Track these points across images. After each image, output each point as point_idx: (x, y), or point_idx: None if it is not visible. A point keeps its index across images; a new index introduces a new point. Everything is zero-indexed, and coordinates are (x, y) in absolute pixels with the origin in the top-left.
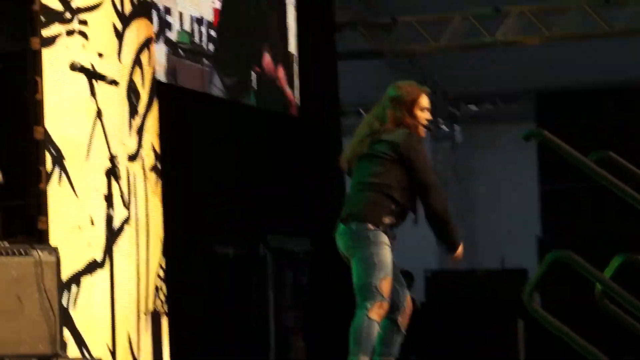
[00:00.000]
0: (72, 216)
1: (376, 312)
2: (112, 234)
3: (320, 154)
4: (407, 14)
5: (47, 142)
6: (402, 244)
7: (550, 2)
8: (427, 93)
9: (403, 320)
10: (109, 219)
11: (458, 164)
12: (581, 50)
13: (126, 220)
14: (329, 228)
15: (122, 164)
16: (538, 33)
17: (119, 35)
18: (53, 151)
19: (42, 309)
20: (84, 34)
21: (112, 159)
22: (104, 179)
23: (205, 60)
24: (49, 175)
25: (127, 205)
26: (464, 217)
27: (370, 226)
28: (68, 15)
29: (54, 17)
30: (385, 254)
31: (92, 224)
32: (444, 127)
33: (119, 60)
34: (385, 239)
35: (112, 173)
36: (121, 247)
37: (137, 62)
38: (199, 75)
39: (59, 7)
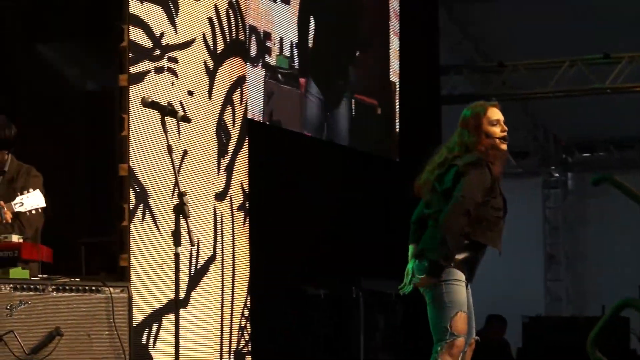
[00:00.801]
0: (154, 253)
1: (447, 353)
2: (197, 273)
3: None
4: (516, 59)
5: (132, 179)
6: (507, 287)
7: None
8: (494, 106)
9: None
10: (190, 258)
11: (569, 211)
12: None
13: (211, 259)
14: None
15: (209, 203)
16: None
17: (210, 74)
18: (137, 188)
19: (112, 346)
20: (173, 72)
21: (181, 196)
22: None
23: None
24: (132, 212)
25: (212, 245)
26: (573, 264)
27: (443, 263)
28: (157, 52)
29: (143, 53)
30: (457, 291)
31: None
32: (556, 174)
33: (210, 98)
34: (458, 275)
35: (180, 210)
36: (206, 285)
37: (228, 100)
38: (296, 99)
39: (148, 43)
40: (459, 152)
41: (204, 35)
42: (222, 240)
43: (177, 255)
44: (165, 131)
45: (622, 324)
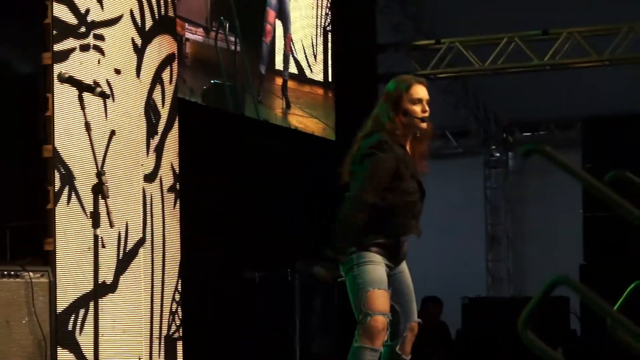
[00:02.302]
0: (81, 237)
1: (364, 335)
2: (126, 256)
3: None
4: (453, 36)
5: (57, 161)
6: (449, 268)
7: (601, 24)
8: (421, 83)
9: (403, 348)
10: (118, 241)
11: (510, 191)
12: (635, 74)
13: (141, 242)
14: None
15: (138, 185)
16: (588, 56)
17: (139, 51)
18: (62, 170)
19: (32, 333)
20: (99, 49)
21: (99, 175)
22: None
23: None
24: (57, 195)
25: (142, 227)
26: (515, 244)
27: (354, 248)
28: (83, 29)
29: (68, 31)
30: (370, 270)
31: (103, 246)
32: (497, 153)
33: (138, 77)
34: (371, 256)
35: (99, 190)
36: (135, 269)
37: (157, 79)
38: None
39: (72, 20)
40: (371, 127)
41: (131, 12)
42: (151, 222)
43: (96, 237)
44: (82, 107)
45: (561, 303)
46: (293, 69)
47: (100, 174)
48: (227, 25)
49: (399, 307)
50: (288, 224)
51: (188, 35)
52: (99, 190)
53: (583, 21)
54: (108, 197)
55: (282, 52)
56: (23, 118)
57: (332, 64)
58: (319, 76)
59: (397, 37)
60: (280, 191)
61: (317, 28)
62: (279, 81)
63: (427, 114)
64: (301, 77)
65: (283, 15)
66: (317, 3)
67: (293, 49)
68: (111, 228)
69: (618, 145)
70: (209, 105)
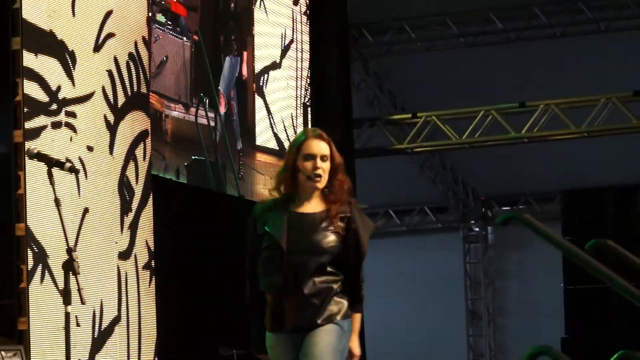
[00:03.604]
0: (55, 316)
1: None
2: (101, 335)
3: None
4: (429, 110)
5: (29, 239)
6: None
7: (578, 96)
8: (317, 137)
9: None
10: (93, 319)
11: (490, 265)
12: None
13: (116, 320)
14: None
15: (112, 262)
16: (566, 128)
17: (111, 128)
18: (35, 248)
19: None
20: (71, 126)
21: (70, 251)
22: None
23: None
24: (30, 274)
25: (117, 305)
26: (495, 319)
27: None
28: (54, 106)
29: (39, 108)
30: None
31: (78, 324)
32: (476, 228)
33: (111, 154)
34: (267, 340)
35: (69, 267)
36: (111, 348)
37: (130, 156)
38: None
39: (43, 97)
40: (271, 188)
41: (103, 89)
42: (127, 300)
43: (67, 315)
44: (52, 183)
45: None
46: (273, 144)
47: (70, 250)
48: (207, 101)
49: None
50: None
51: (167, 111)
52: (70, 266)
53: (560, 93)
54: (79, 274)
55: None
56: None
57: None
58: (271, 144)
59: (373, 112)
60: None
61: (297, 103)
62: (260, 157)
63: (319, 172)
64: (281, 152)
65: (260, 92)
66: (298, 79)
67: (273, 124)
68: (82, 304)
69: (598, 217)
70: (189, 184)
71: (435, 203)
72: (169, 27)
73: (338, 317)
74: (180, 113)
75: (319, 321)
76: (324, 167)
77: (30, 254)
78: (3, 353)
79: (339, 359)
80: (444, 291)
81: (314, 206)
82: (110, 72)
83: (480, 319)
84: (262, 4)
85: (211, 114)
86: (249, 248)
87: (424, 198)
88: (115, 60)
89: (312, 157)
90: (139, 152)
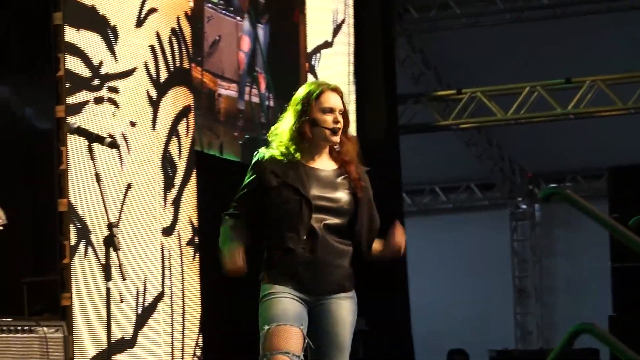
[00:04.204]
0: (98, 292)
1: None
2: (144, 311)
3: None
4: (475, 86)
5: (72, 214)
6: (477, 322)
7: (624, 72)
8: (334, 90)
9: None
10: (137, 296)
11: (537, 242)
12: None
13: (160, 297)
14: (385, 308)
15: (155, 239)
16: (612, 105)
17: (154, 104)
18: (78, 224)
19: None
20: (114, 102)
21: (110, 227)
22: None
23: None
24: (73, 249)
25: (160, 282)
26: (543, 296)
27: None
28: (96, 81)
29: (81, 83)
30: (269, 306)
31: (121, 301)
32: (523, 205)
33: (154, 129)
34: (273, 289)
35: (110, 242)
36: (154, 324)
37: (173, 132)
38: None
39: (86, 73)
40: (271, 138)
41: (145, 64)
42: (170, 276)
43: (108, 290)
44: (92, 158)
45: (591, 355)
46: None
47: (111, 225)
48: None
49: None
50: None
51: (221, 90)
52: (111, 242)
53: (606, 69)
54: (119, 250)
55: None
56: (38, 172)
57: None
58: None
59: (418, 88)
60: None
61: (349, 80)
62: None
63: (339, 125)
64: None
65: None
66: (346, 55)
67: None
68: (123, 280)
69: None
70: (243, 162)
71: (482, 180)
72: (222, 6)
73: (352, 288)
74: (234, 92)
75: (337, 287)
76: (341, 122)
77: (73, 229)
78: (45, 329)
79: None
80: (490, 269)
81: (325, 163)
82: (152, 48)
83: (528, 296)
84: None
85: (265, 93)
86: (244, 198)
87: (470, 175)
88: (158, 35)
89: (331, 110)
90: (181, 127)
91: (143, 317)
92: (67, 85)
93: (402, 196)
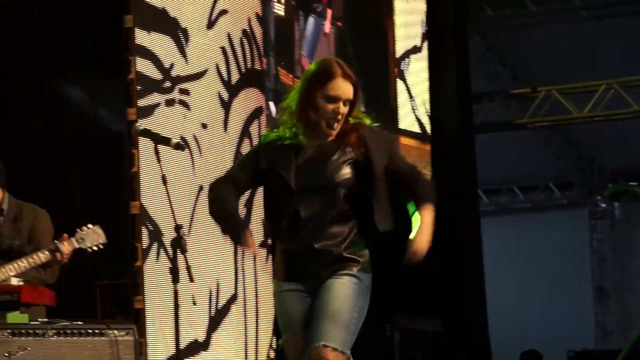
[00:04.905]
0: (170, 295)
1: None
2: (218, 313)
3: (456, 233)
4: (550, 83)
5: (144, 217)
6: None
7: None
8: (347, 78)
9: None
10: (210, 298)
11: (617, 242)
12: None
13: (233, 299)
14: (461, 308)
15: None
16: None
17: (225, 105)
18: (150, 226)
19: None
20: (185, 104)
21: (178, 229)
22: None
23: None
24: (145, 252)
25: (233, 284)
26: (623, 296)
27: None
28: (167, 84)
29: (152, 86)
30: (278, 311)
31: (194, 303)
32: (602, 204)
33: (225, 131)
34: (275, 285)
35: (178, 245)
36: (227, 327)
37: (245, 133)
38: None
39: (157, 75)
40: (279, 114)
41: (217, 66)
42: (243, 278)
43: (176, 293)
44: (158, 160)
45: None
46: (416, 128)
47: (178, 227)
48: None
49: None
50: (385, 277)
51: None
52: (178, 244)
53: None
54: (187, 252)
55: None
56: (110, 174)
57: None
58: (414, 127)
59: (494, 87)
60: (377, 243)
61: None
62: (404, 140)
63: (338, 117)
64: (425, 136)
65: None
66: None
67: (415, 107)
68: (191, 282)
69: None
70: None
71: (560, 179)
72: (313, 15)
73: (355, 269)
74: None
75: (332, 272)
76: (343, 112)
77: (145, 232)
78: (116, 332)
79: (358, 317)
80: (569, 268)
81: (323, 138)
82: (223, 49)
83: (608, 296)
84: None
85: None
86: (235, 175)
87: (548, 174)
88: (229, 37)
89: (335, 99)
90: (253, 129)
91: (216, 320)
92: (138, 87)
93: (478, 195)
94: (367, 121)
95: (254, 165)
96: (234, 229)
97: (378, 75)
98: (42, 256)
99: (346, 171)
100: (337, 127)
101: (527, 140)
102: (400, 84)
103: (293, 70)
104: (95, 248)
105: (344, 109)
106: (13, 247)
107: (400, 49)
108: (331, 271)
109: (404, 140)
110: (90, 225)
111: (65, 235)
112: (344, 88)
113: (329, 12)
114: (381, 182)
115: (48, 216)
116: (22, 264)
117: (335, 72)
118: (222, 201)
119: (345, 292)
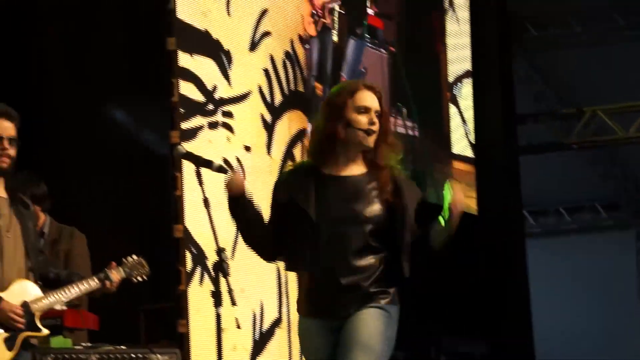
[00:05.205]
0: (214, 318)
1: None
2: (262, 337)
3: (502, 255)
4: (595, 103)
5: (188, 240)
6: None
7: None
8: (369, 89)
9: None
10: (254, 322)
11: None
12: None
13: (277, 322)
14: (507, 330)
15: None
16: None
17: (268, 128)
18: (194, 250)
19: None
20: (228, 126)
21: (219, 252)
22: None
23: None
24: (189, 276)
25: (277, 306)
26: None
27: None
28: (211, 106)
29: (195, 108)
30: (303, 347)
31: (238, 326)
32: None
33: (269, 154)
34: (300, 323)
35: (220, 268)
36: (272, 351)
37: (288, 155)
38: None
39: (200, 98)
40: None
41: (259, 88)
42: (287, 301)
43: (218, 317)
44: (200, 183)
45: None
46: (469, 152)
47: (220, 251)
48: (405, 111)
49: None
50: (432, 300)
51: None
52: (220, 268)
53: None
54: (229, 275)
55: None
56: (153, 197)
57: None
58: (467, 152)
59: (538, 107)
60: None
61: None
62: (457, 165)
63: (375, 127)
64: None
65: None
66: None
67: (467, 132)
68: (233, 306)
69: None
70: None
71: (607, 200)
72: (367, 39)
73: (383, 302)
74: None
75: (358, 306)
76: (377, 123)
77: (188, 255)
78: (159, 356)
79: (387, 348)
80: (616, 291)
81: (355, 169)
82: (266, 71)
83: None
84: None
85: (409, 123)
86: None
87: (594, 195)
88: (272, 58)
89: (366, 110)
90: (297, 151)
91: (261, 343)
92: (182, 110)
93: (523, 217)
94: (399, 167)
95: (273, 203)
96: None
97: (431, 99)
98: (93, 284)
99: (377, 207)
100: (374, 138)
101: (572, 161)
102: (452, 108)
103: None
104: (139, 279)
105: (376, 120)
106: (60, 277)
107: (452, 72)
108: (359, 305)
109: (457, 165)
110: (134, 256)
111: (114, 263)
112: (371, 99)
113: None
114: (408, 232)
115: (85, 239)
116: (73, 291)
117: (358, 83)
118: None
119: (375, 323)
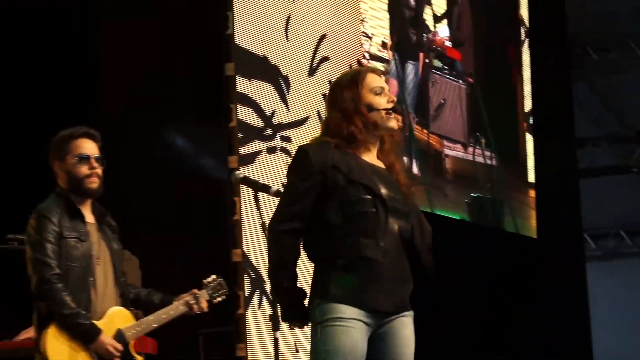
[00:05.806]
0: (273, 343)
1: None
2: None
3: (562, 279)
4: None
5: (246, 265)
6: None
7: None
8: (374, 71)
9: None
10: None
11: None
12: None
13: None
14: (568, 354)
15: None
16: None
17: None
18: (252, 274)
19: None
20: (287, 151)
21: None
22: None
23: None
24: (248, 300)
25: None
26: None
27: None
28: (269, 131)
29: (253, 133)
30: (336, 334)
31: (297, 350)
32: None
33: None
34: (336, 311)
35: None
36: None
37: None
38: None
39: (258, 123)
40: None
41: (318, 113)
42: None
43: (276, 341)
44: (258, 208)
45: None
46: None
47: None
48: (483, 141)
49: None
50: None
51: (447, 151)
52: None
53: None
54: None
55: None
56: (211, 222)
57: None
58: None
59: (599, 131)
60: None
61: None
62: (533, 193)
63: (394, 104)
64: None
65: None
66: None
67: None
68: (291, 330)
69: None
70: (471, 221)
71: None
72: (446, 71)
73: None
74: (459, 152)
75: (404, 305)
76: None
77: (247, 279)
78: None
79: None
80: None
81: (376, 161)
82: (324, 96)
83: None
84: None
85: (487, 152)
86: (304, 210)
87: None
88: (330, 83)
89: (382, 90)
90: None
91: None
92: (240, 135)
93: (583, 241)
94: None
95: (321, 185)
96: (290, 303)
97: (508, 129)
98: (182, 309)
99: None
100: (395, 121)
101: (633, 184)
102: (529, 138)
103: (427, 126)
104: (219, 299)
105: (394, 97)
106: (140, 295)
107: (528, 102)
108: (401, 307)
109: (534, 194)
110: (214, 277)
111: (195, 290)
112: (381, 80)
113: (421, 56)
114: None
115: (137, 262)
116: (164, 316)
117: (363, 67)
118: (285, 261)
119: (412, 339)
